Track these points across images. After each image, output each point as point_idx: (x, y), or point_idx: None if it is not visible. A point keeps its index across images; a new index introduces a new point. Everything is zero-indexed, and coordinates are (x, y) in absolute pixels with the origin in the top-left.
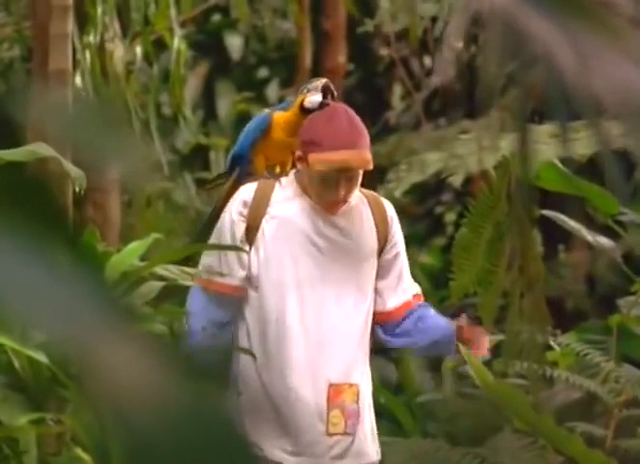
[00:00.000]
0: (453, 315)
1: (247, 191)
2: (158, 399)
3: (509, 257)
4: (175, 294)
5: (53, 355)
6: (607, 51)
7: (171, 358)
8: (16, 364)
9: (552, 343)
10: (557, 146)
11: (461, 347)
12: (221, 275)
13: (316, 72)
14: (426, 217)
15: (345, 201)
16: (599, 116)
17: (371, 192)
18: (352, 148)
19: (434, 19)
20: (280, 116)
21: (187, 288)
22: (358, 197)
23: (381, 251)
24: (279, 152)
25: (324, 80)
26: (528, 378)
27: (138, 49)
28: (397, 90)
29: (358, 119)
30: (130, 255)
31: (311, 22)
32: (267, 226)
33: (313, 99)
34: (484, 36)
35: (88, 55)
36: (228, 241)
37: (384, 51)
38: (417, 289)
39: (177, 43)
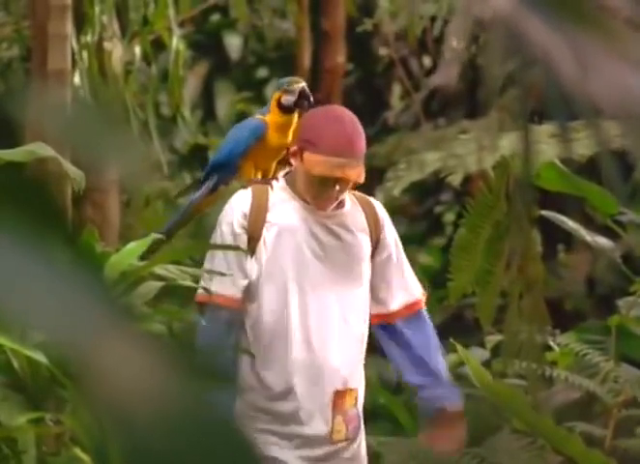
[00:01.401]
0: (453, 315)
1: (243, 201)
2: (157, 399)
3: (508, 257)
4: (174, 294)
5: (52, 355)
6: (605, 54)
7: (170, 357)
8: (15, 364)
9: (551, 343)
10: (557, 146)
11: (459, 347)
12: (223, 287)
13: (315, 72)
14: (425, 216)
15: (337, 199)
16: (598, 117)
17: (361, 195)
18: (348, 157)
19: (433, 19)
20: (269, 119)
21: (186, 288)
22: (350, 200)
23: (373, 253)
24: (269, 158)
25: (301, 85)
26: (527, 378)
27: (137, 49)
28: (396, 90)
29: (361, 129)
30: (128, 255)
31: (310, 22)
32: (267, 234)
33: (289, 98)
34: (485, 37)
35: (86, 55)
36: (231, 254)
37: (383, 51)
38: (415, 294)
39: (176, 42)
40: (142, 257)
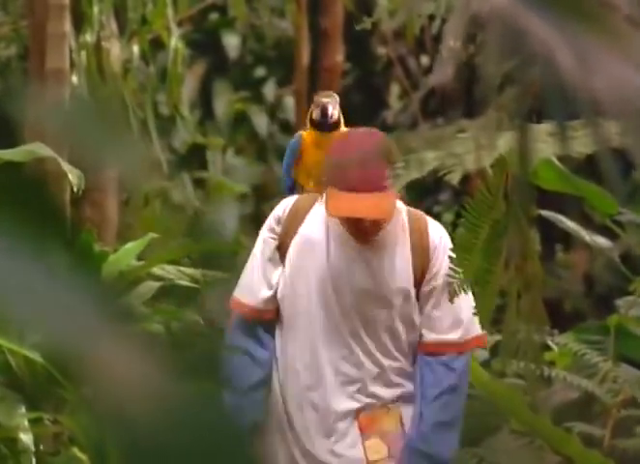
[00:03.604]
0: None
1: (281, 207)
2: (155, 399)
3: (506, 257)
4: (172, 293)
5: (50, 355)
6: (606, 52)
7: (168, 357)
8: (13, 364)
9: (550, 343)
10: (555, 145)
11: None
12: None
13: (314, 71)
14: None
15: (375, 232)
16: (598, 116)
17: (419, 217)
18: (364, 191)
19: (431, 17)
20: (307, 134)
21: (183, 288)
22: (398, 220)
23: (420, 282)
24: (319, 168)
25: (325, 100)
26: (526, 378)
27: (135, 48)
28: (395, 89)
29: (376, 153)
30: (127, 255)
31: (309, 21)
32: (294, 246)
33: (317, 111)
34: (483, 35)
35: (85, 54)
36: (257, 258)
37: (381, 50)
38: (450, 336)
39: (174, 42)
40: (140, 257)
